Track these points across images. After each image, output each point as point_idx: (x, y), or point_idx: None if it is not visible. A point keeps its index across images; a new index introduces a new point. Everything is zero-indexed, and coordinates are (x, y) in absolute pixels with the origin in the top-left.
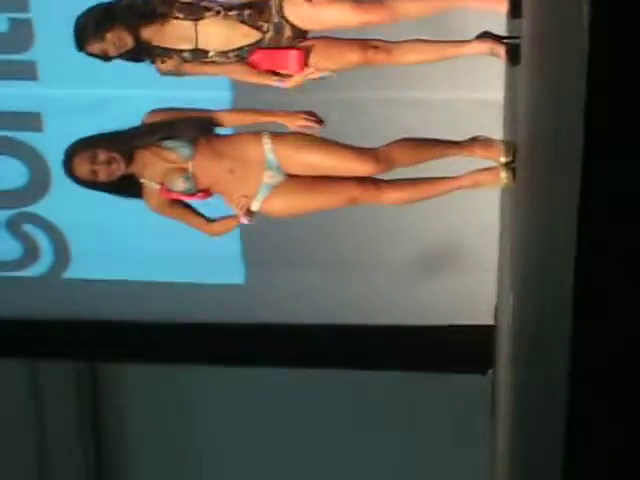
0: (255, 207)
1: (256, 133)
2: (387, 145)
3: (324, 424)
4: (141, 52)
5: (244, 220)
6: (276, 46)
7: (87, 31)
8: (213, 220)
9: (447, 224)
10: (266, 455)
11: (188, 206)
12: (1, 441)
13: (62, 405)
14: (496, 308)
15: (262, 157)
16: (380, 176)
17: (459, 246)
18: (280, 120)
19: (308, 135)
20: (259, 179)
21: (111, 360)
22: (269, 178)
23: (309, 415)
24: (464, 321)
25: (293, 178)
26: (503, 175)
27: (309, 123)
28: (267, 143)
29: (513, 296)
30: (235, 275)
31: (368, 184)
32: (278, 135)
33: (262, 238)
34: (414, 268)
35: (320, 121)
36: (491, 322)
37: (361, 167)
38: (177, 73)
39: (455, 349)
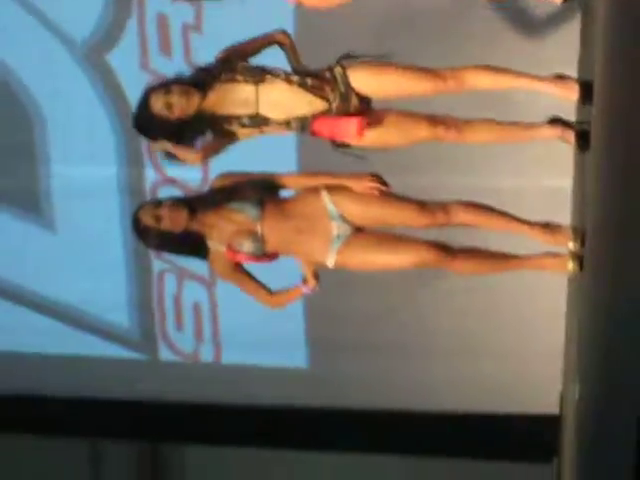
0: (330, 262)
1: (314, 188)
2: (453, 202)
3: None
4: (196, 126)
5: (307, 290)
6: (343, 113)
7: (154, 87)
8: (274, 292)
9: (514, 308)
10: None
11: (250, 275)
12: None
13: None
14: (561, 397)
15: (324, 209)
16: (453, 244)
17: (525, 332)
18: (345, 183)
19: None
20: (328, 232)
21: (173, 441)
22: (337, 229)
23: None
24: (528, 409)
25: (361, 232)
26: (570, 263)
27: (374, 185)
28: (325, 195)
29: (579, 386)
30: (298, 358)
31: (439, 248)
32: (335, 188)
33: (325, 321)
34: (476, 354)
35: (385, 184)
36: (556, 411)
37: (417, 220)
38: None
39: (519, 437)
